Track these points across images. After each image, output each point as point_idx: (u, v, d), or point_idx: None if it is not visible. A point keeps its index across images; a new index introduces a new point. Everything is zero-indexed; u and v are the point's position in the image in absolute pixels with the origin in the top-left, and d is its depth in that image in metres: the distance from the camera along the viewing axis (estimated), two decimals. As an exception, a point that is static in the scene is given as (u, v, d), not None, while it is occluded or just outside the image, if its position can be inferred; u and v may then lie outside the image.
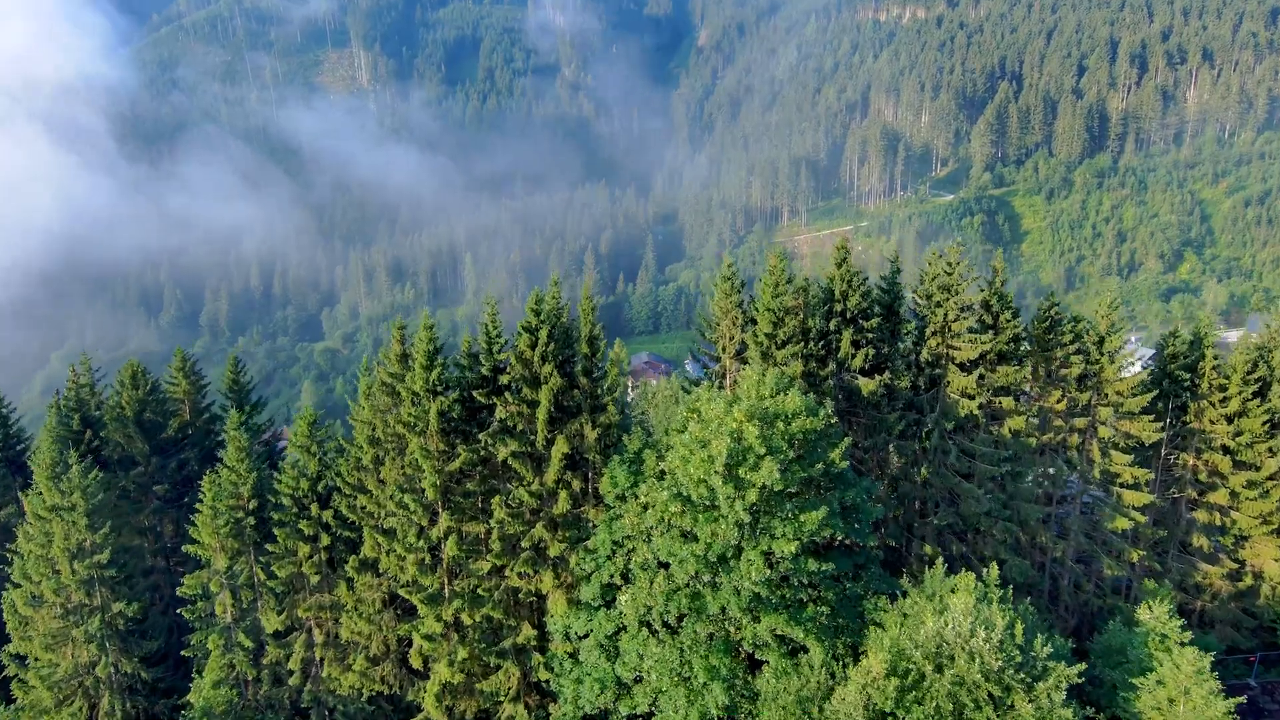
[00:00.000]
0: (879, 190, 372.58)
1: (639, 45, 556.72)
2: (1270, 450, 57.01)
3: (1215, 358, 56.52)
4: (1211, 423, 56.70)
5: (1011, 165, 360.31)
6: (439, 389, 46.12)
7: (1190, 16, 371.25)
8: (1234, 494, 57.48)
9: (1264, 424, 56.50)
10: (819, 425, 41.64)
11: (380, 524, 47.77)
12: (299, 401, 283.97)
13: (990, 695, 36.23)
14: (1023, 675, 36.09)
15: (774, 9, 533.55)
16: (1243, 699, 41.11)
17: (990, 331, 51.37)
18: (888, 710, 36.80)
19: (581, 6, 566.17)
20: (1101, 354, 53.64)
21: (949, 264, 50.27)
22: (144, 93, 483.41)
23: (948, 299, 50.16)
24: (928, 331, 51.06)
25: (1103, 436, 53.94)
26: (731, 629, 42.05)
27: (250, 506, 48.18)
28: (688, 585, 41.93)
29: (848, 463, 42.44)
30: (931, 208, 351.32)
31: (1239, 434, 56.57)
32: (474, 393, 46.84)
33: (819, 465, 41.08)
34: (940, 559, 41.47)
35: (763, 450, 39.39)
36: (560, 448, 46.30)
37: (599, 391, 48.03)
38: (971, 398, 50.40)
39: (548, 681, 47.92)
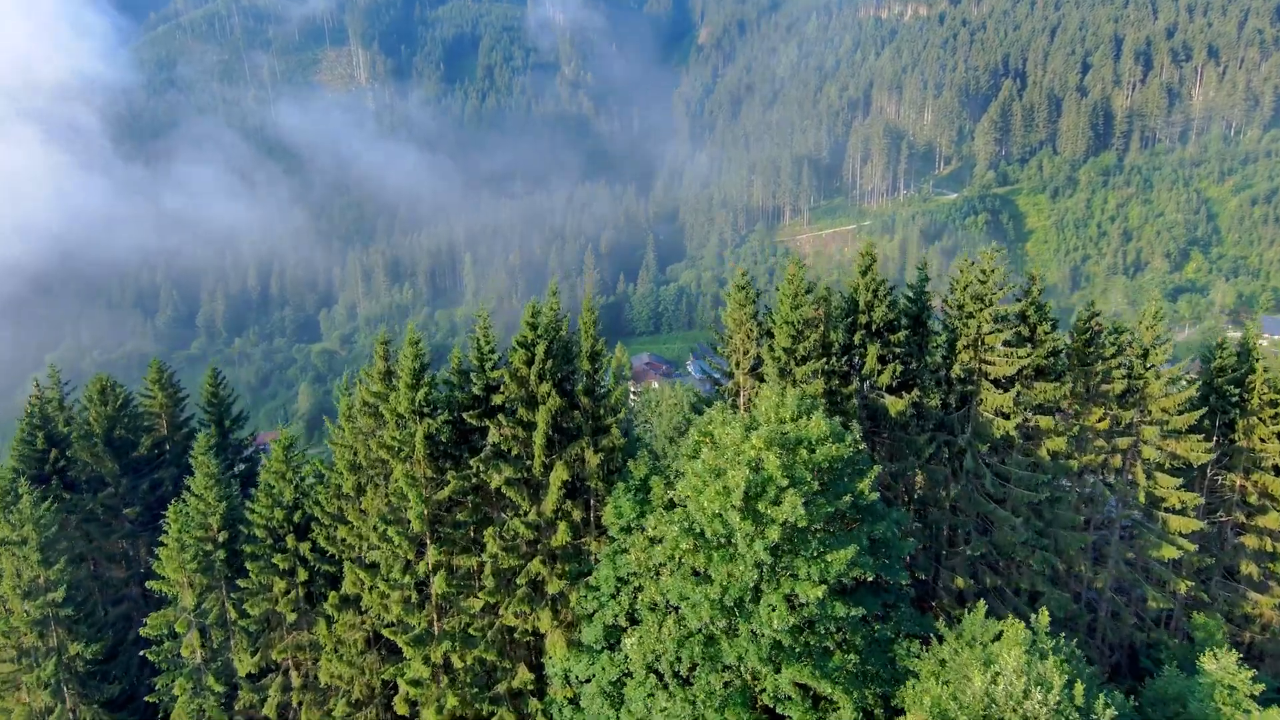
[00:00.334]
0: (882, 189, 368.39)
1: (639, 43, 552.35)
2: (1325, 470, 52.87)
3: (1265, 370, 52.31)
4: (1262, 440, 52.48)
5: (1015, 163, 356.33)
6: (426, 410, 42.04)
7: (1195, 13, 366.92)
8: (1285, 517, 53.28)
9: (1319, 442, 52.33)
10: (846, 452, 37.53)
11: (362, 557, 43.66)
12: (296, 404, 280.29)
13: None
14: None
15: (775, 6, 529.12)
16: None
17: (1027, 344, 47.15)
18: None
19: (581, 4, 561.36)
20: (1146, 368, 49.45)
21: (983, 271, 46.09)
22: (141, 92, 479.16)
23: (981, 309, 45.99)
24: (959, 345, 46.89)
25: (1147, 457, 49.80)
26: (749, 679, 37.96)
27: (220, 538, 44.13)
28: (701, 631, 37.82)
29: (877, 494, 38.29)
30: (935, 206, 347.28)
31: (1292, 453, 52.39)
32: (464, 414, 42.70)
33: (846, 497, 36.97)
34: (980, 601, 37.27)
35: (785, 482, 35.33)
36: (559, 474, 42.22)
37: (602, 412, 43.91)
38: (1007, 416, 46.25)
39: (546, 729, 43.88)
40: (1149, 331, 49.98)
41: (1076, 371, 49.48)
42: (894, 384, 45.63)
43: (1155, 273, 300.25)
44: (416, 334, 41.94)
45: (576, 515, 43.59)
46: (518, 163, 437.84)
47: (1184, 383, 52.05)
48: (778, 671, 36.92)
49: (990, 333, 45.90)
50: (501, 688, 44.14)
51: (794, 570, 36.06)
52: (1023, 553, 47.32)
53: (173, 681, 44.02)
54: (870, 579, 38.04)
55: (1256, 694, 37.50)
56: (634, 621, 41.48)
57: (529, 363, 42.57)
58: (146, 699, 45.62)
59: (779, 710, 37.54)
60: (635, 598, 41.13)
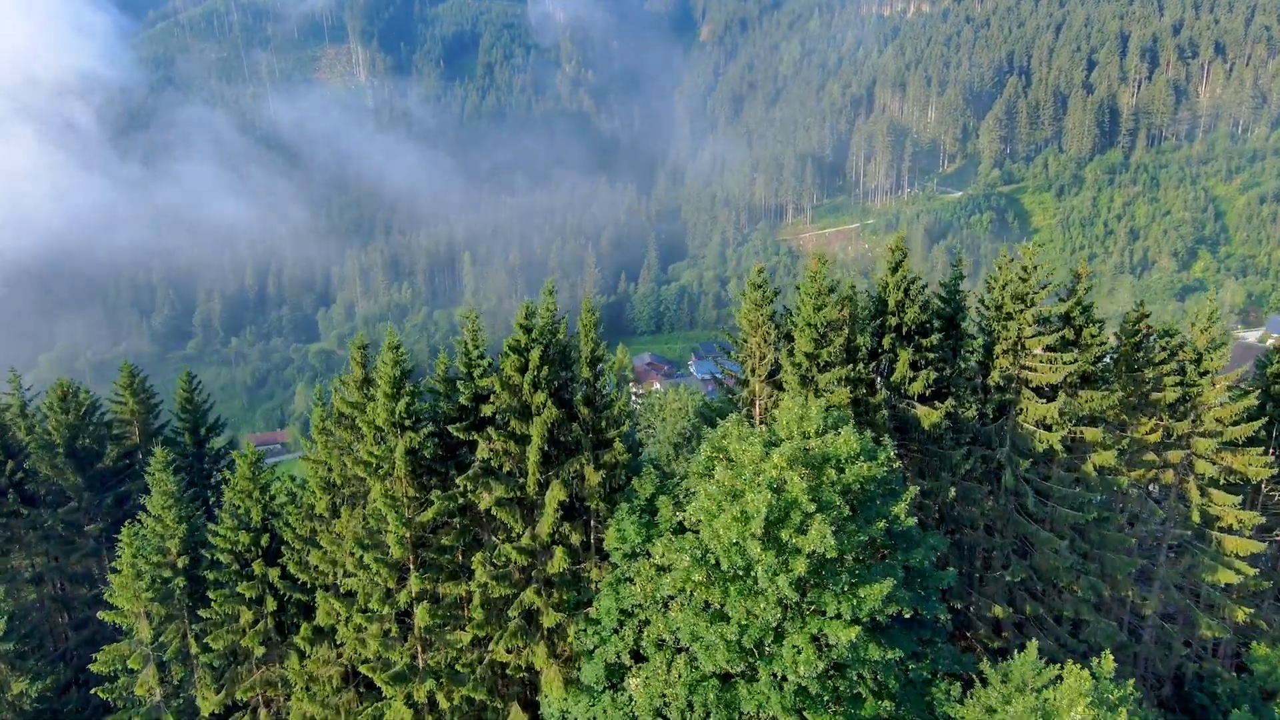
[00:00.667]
0: (885, 187, 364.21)
1: (641, 40, 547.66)
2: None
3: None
4: (1323, 454, 48.26)
5: (1021, 161, 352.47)
6: (407, 422, 37.65)
7: (1201, 10, 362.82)
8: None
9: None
10: (879, 472, 33.22)
11: (338, 585, 39.31)
12: (292, 405, 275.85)
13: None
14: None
15: (777, 4, 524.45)
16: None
17: (1072, 349, 42.76)
18: None
19: (582, 0, 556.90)
20: (1200, 375, 45.09)
21: (1024, 268, 41.75)
22: (139, 90, 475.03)
23: (1022, 310, 41.65)
24: (996, 349, 42.55)
25: (1200, 472, 45.45)
26: (770, 729, 33.64)
27: (180, 564, 39.78)
28: (715, 675, 33.50)
29: (914, 520, 33.94)
30: (939, 205, 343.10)
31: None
32: (450, 427, 38.31)
33: (879, 523, 32.68)
34: (1032, 642, 32.89)
35: (811, 506, 31.04)
36: (556, 493, 37.87)
37: (603, 424, 39.51)
38: (1050, 428, 41.89)
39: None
40: (1203, 334, 45.62)
41: (1124, 378, 45.14)
42: (926, 393, 41.26)
43: (1163, 272, 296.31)
44: (396, 337, 37.54)
45: (575, 539, 39.21)
46: (518, 160, 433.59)
47: (1240, 390, 47.65)
48: (803, 721, 32.64)
49: (1032, 336, 41.55)
50: (492, 729, 39.83)
51: (822, 606, 31.77)
52: (1066, 578, 42.97)
53: (129, 721, 39.76)
54: (908, 615, 33.70)
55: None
56: (639, 659, 37.17)
57: (522, 369, 38.20)
58: (99, 741, 41.39)
59: (804, 765, 33.24)
60: (641, 632, 36.82)
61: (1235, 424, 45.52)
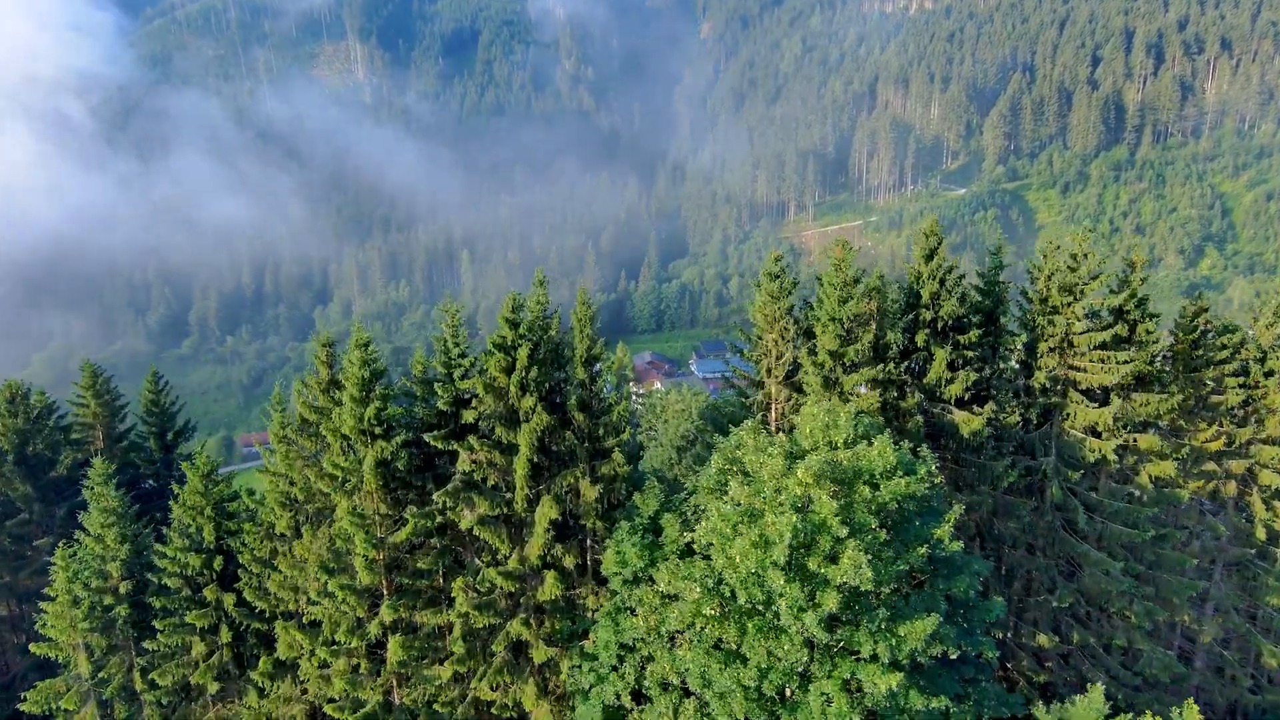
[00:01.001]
0: (888, 184, 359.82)
1: (641, 37, 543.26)
2: None
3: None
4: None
5: (1025, 158, 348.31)
6: (378, 430, 33.08)
7: (1207, 5, 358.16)
8: None
9: None
10: (920, 489, 28.68)
11: (300, 614, 34.78)
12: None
13: None
14: None
15: (777, 1, 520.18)
16: None
17: (1126, 346, 38.16)
18: None
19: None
20: (1265, 375, 40.54)
21: (1072, 256, 37.20)
22: (136, 87, 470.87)
23: (1070, 303, 37.09)
24: (1041, 347, 37.99)
25: (1265, 483, 40.91)
26: (794, 787, 29.10)
27: (122, 589, 35.18)
28: (730, 724, 28.96)
29: (960, 544, 29.35)
30: (943, 202, 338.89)
31: None
32: (427, 435, 33.76)
33: (920, 549, 28.14)
34: (1097, 685, 28.38)
35: (843, 530, 26.50)
36: (547, 510, 33.36)
37: (600, 431, 34.97)
38: (1100, 435, 37.35)
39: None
40: (1268, 331, 41.09)
41: (1181, 379, 40.56)
42: (965, 396, 36.69)
43: (1170, 269, 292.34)
44: (365, 334, 32.96)
45: (569, 562, 34.66)
46: (518, 157, 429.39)
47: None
48: (832, 779, 28.07)
49: (1083, 333, 36.99)
50: (475, 776, 35.26)
51: (854, 647, 27.26)
52: (1119, 603, 38.44)
53: (67, 766, 35.24)
54: (954, 656, 29.18)
55: None
56: (641, 699, 32.66)
57: (509, 370, 33.64)
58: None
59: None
60: (643, 669, 32.30)
61: (1302, 430, 41.04)
